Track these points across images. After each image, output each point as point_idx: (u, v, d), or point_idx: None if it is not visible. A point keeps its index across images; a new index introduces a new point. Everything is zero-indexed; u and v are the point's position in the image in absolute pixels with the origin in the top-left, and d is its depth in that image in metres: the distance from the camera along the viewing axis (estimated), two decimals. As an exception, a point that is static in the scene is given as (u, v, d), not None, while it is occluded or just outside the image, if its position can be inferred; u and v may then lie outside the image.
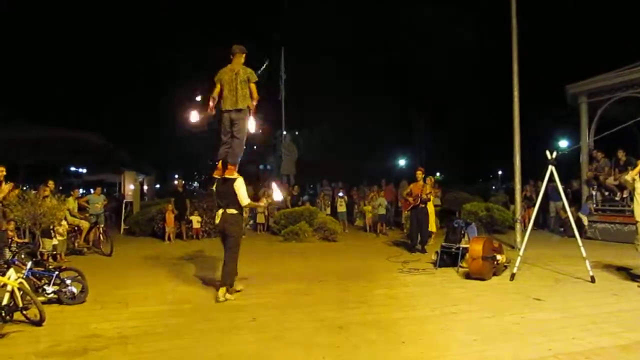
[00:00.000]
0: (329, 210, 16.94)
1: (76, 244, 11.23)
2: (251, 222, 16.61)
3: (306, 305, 6.27)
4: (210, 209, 15.10)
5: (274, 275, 8.43)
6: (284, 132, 26.05)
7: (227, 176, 6.92)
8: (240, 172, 7.06)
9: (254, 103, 6.98)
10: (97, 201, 13.01)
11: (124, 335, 5.02)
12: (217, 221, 7.03)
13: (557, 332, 5.01)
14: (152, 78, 32.57)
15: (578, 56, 24.16)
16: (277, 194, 9.44)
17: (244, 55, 7.06)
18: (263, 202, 8.61)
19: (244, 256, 10.61)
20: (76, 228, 11.30)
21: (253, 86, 6.94)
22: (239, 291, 6.99)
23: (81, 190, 20.69)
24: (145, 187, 26.66)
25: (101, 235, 11.56)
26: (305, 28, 27.38)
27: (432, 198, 11.81)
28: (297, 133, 35.12)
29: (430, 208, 12.13)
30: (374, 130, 31.73)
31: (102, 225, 11.91)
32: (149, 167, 27.27)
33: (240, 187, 6.83)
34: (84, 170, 27.51)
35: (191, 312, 5.92)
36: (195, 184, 53.09)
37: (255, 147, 45.14)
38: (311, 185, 26.83)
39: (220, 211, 6.93)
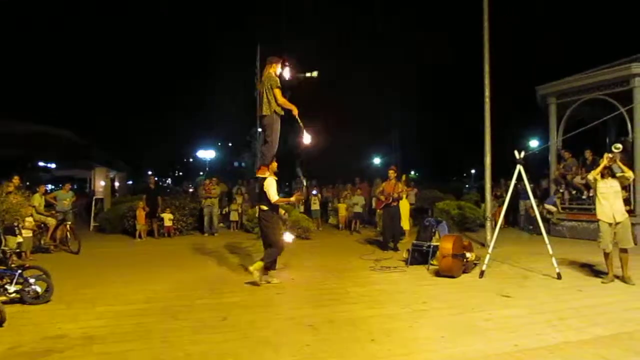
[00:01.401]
0: (302, 208, 16.92)
1: (42, 242, 10.94)
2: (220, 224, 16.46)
3: (277, 304, 6.26)
4: (182, 206, 14.95)
5: (246, 274, 8.35)
6: (259, 130, 25.88)
7: (258, 175, 7.70)
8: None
9: (288, 107, 7.45)
10: (65, 197, 12.72)
11: (89, 335, 4.91)
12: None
13: (524, 328, 5.09)
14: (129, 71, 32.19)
15: (549, 58, 24.68)
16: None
17: (272, 64, 7.62)
18: (294, 199, 8.92)
19: (217, 254, 10.61)
20: (42, 225, 11.02)
21: (276, 91, 7.42)
22: (269, 282, 7.43)
23: (50, 186, 20.26)
24: (117, 184, 26.21)
25: (68, 233, 11.31)
26: (282, 26, 27.30)
27: (403, 196, 11.87)
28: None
29: (405, 206, 12.20)
30: (349, 129, 31.79)
31: (70, 223, 11.62)
32: (121, 163, 26.82)
33: (270, 185, 7.42)
34: (54, 166, 26.87)
35: (161, 312, 5.83)
36: (169, 180, 52.53)
37: (230, 144, 44.95)
38: (286, 183, 26.75)
39: (257, 207, 7.81)
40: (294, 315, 5.67)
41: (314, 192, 17.17)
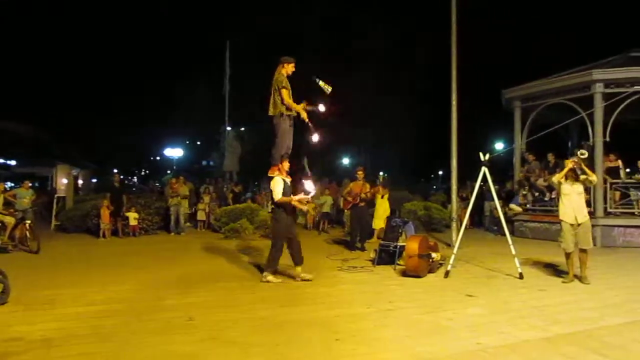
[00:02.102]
0: (270, 208, 16.84)
1: (0, 241, 10.60)
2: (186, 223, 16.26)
3: (245, 304, 6.20)
4: (148, 205, 14.71)
5: (213, 274, 8.30)
6: (228, 128, 25.70)
7: (269, 175, 7.73)
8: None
9: (294, 109, 7.51)
10: (25, 196, 12.36)
11: (48, 338, 4.76)
12: None
13: (487, 326, 5.18)
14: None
15: (516, 62, 25.26)
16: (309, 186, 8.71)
17: (284, 65, 7.59)
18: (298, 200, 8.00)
19: (183, 254, 10.48)
20: (0, 224, 10.67)
21: (283, 92, 7.45)
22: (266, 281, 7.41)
23: (9, 184, 19.65)
24: (80, 182, 25.62)
25: (28, 232, 10.97)
26: (252, 22, 27.24)
27: (379, 196, 12.10)
28: (242, 129, 34.71)
29: (385, 205, 12.40)
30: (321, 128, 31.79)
31: (30, 222, 11.27)
32: (85, 161, 26.26)
33: (275, 185, 7.49)
34: (14, 163, 26.08)
35: (123, 313, 5.70)
36: (135, 179, 51.61)
37: (198, 142, 44.51)
38: (256, 182, 26.64)
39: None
40: (261, 315, 5.63)
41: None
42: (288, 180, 7.67)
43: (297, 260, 7.72)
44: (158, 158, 53.35)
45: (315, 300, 6.40)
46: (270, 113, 7.56)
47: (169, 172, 37.26)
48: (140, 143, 43.00)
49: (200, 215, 16.14)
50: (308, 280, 7.53)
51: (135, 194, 16.57)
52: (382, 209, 12.41)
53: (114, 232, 13.66)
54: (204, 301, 6.31)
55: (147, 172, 56.53)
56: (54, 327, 5.11)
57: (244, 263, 9.53)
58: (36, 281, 7.49)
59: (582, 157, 7.60)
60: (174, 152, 42.17)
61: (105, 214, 13.33)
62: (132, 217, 13.80)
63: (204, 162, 42.19)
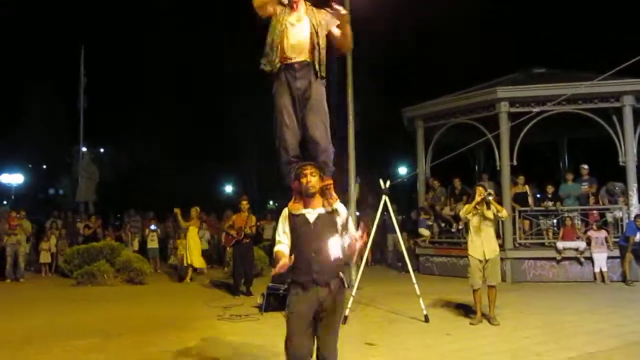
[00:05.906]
0: (137, 246, 16.34)
1: None
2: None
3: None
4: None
5: (60, 330, 7.81)
6: (83, 149, 24.56)
7: None
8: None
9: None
10: None
11: None
12: None
13: (388, 380, 5.31)
14: None
15: (421, 81, 26.66)
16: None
17: None
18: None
19: (23, 305, 9.74)
20: None
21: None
22: None
23: None
24: None
25: None
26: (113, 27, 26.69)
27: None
28: (101, 150, 33.36)
29: None
30: (196, 151, 31.33)
31: None
32: None
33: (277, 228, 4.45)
34: None
35: None
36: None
37: (44, 166, 41.99)
38: (118, 215, 25.61)
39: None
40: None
41: (152, 226, 16.69)
42: (316, 212, 4.09)
43: None
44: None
45: (188, 357, 6.22)
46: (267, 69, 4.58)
47: (5, 203, 34.65)
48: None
49: (44, 257, 15.28)
50: None
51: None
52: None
53: None
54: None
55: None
56: None
57: (101, 315, 9.10)
58: None
59: (489, 197, 8.04)
60: (12, 179, 39.33)
61: None
62: None
63: (51, 191, 39.71)
